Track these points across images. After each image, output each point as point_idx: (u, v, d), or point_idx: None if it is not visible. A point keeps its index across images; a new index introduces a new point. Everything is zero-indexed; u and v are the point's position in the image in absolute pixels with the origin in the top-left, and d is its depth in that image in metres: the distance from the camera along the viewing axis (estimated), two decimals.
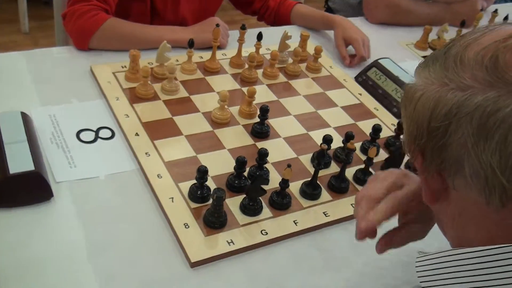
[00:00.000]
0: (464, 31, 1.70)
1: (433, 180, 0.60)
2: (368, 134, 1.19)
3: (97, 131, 1.10)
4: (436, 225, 0.72)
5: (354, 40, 1.52)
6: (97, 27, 1.29)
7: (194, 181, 0.97)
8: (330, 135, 1.08)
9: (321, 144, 1.03)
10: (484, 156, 0.53)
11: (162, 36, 1.34)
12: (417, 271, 0.63)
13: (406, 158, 1.14)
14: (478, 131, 0.53)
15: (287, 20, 1.69)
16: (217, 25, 1.33)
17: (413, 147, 0.61)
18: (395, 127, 1.22)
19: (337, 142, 1.16)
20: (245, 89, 1.28)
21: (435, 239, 0.79)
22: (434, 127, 0.57)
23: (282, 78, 1.39)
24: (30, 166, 0.90)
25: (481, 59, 0.55)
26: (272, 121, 1.21)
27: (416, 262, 0.63)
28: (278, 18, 1.70)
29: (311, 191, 1.03)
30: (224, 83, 1.25)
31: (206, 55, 1.38)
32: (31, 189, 0.91)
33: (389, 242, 0.79)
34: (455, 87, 0.55)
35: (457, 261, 0.58)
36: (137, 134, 1.10)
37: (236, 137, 1.15)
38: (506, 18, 1.79)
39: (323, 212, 1.01)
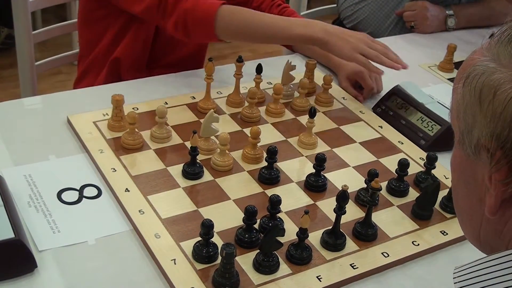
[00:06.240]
0: None
1: (508, 190, 0.63)
2: (393, 171, 1.25)
3: (80, 190, 1.16)
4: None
5: (358, 72, 1.58)
6: (214, 14, 1.39)
7: (198, 239, 1.02)
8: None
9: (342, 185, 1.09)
10: None
11: (291, 26, 1.43)
12: (454, 283, 0.67)
13: (441, 196, 1.19)
14: None
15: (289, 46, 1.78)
16: (210, 59, 1.41)
17: (499, 154, 0.61)
18: (424, 161, 1.27)
19: (359, 182, 1.22)
20: (247, 130, 1.34)
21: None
22: None
23: (288, 114, 1.46)
24: (9, 234, 0.96)
25: None
26: (282, 165, 1.27)
27: (454, 273, 0.67)
28: None
29: (334, 241, 1.08)
30: (222, 124, 1.32)
31: (199, 94, 1.46)
32: (12, 260, 0.95)
33: None
34: None
35: (495, 266, 0.62)
36: (127, 190, 1.15)
37: (241, 185, 1.21)
38: None
39: (350, 264, 1.05)
